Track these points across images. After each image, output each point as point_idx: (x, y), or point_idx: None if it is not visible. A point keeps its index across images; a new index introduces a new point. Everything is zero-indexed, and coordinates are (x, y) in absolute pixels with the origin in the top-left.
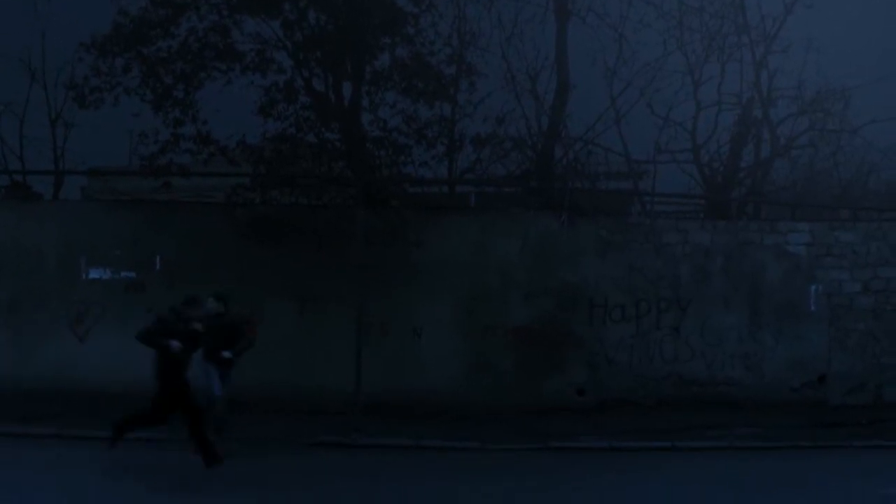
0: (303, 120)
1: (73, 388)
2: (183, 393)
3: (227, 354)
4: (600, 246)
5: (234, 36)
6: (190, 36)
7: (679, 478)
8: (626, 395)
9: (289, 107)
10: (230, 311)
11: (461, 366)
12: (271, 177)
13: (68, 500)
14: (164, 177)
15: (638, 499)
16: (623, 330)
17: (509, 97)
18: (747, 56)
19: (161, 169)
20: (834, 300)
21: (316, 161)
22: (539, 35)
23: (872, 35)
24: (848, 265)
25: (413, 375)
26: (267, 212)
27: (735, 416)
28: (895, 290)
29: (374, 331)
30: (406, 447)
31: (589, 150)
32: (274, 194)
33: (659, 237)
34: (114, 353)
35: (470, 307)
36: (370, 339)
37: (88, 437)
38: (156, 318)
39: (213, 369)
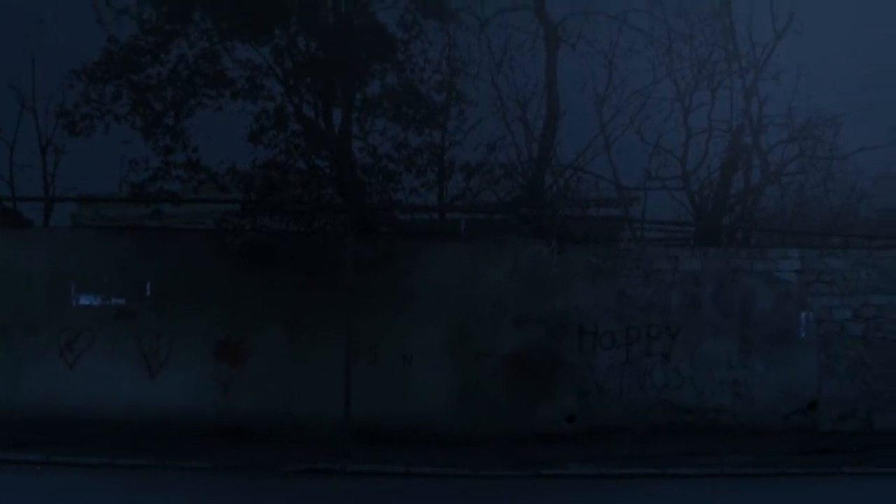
0: (293, 146)
1: (62, 414)
2: None
3: None
4: (590, 273)
5: (225, 63)
6: (180, 63)
7: None
8: (617, 421)
9: (279, 133)
10: None
11: (451, 392)
12: (261, 203)
13: None
14: (154, 204)
15: None
16: (613, 357)
17: (499, 124)
18: (737, 83)
19: (151, 196)
20: (824, 327)
21: (306, 188)
22: (529, 62)
23: (862, 62)
24: (838, 292)
25: (403, 402)
26: (257, 238)
27: (725, 443)
28: (886, 316)
29: (365, 357)
30: (396, 474)
31: (579, 176)
32: (264, 221)
33: (649, 264)
34: (103, 380)
35: (460, 334)
36: (360, 365)
37: (76, 464)
38: None
39: None
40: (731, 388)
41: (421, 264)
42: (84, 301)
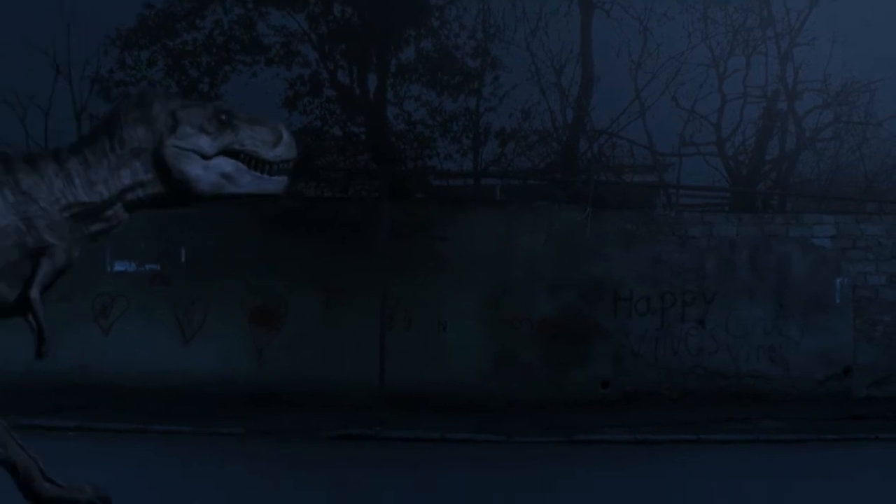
0: (328, 113)
1: (97, 381)
2: None
3: None
4: (625, 239)
5: (260, 29)
6: (215, 29)
7: (704, 470)
8: (651, 387)
9: (314, 100)
10: None
11: (486, 358)
12: (297, 170)
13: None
14: None
15: (663, 490)
16: (648, 323)
17: (534, 90)
18: (772, 49)
19: None
20: (859, 292)
21: (341, 154)
22: (564, 28)
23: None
24: (873, 257)
25: (438, 368)
26: (292, 204)
27: (760, 409)
28: None
29: (399, 324)
30: (430, 440)
31: (614, 142)
32: (299, 187)
33: (684, 230)
34: (138, 346)
35: (494, 300)
36: (395, 331)
37: (110, 429)
38: None
39: None
40: (766, 354)
41: (455, 230)
42: (119, 267)
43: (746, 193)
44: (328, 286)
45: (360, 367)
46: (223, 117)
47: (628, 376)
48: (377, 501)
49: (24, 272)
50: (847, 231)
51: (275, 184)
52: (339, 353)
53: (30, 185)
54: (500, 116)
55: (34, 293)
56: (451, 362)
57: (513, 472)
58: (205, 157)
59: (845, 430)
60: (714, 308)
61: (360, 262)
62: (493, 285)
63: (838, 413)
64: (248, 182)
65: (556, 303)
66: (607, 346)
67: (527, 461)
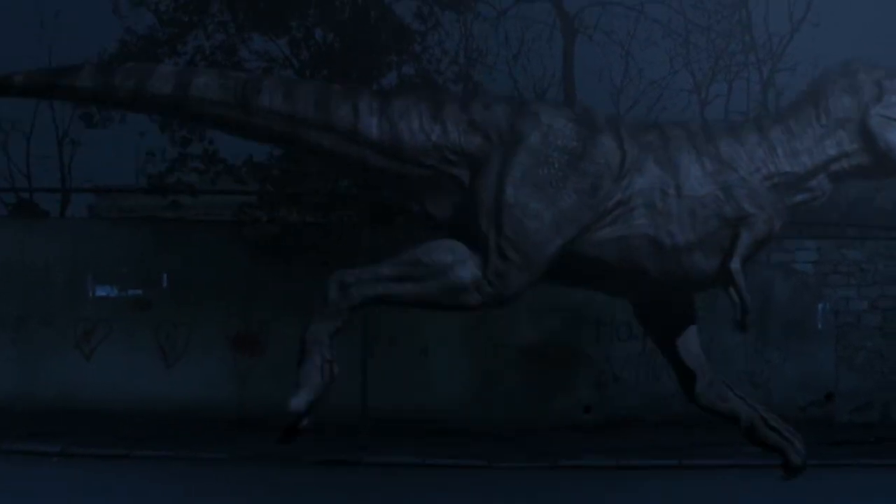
0: None
1: (79, 406)
2: None
3: None
4: None
5: (242, 54)
6: (197, 54)
7: (687, 495)
8: (633, 412)
9: None
10: None
11: (468, 384)
12: (278, 195)
13: None
14: (171, 195)
15: None
16: (629, 348)
17: None
18: (754, 74)
19: (168, 187)
20: (841, 318)
21: (323, 179)
22: (546, 53)
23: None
24: (855, 283)
25: (420, 393)
26: (274, 230)
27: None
28: None
29: (381, 349)
30: (412, 465)
31: None
32: (281, 213)
33: None
34: (120, 371)
35: (477, 325)
36: (377, 356)
37: (93, 455)
38: None
39: None
40: (747, 379)
41: None
42: (101, 292)
43: None
44: (310, 311)
45: (343, 392)
46: None
47: (610, 401)
48: None
49: (723, 243)
50: (829, 256)
51: None
52: None
53: (730, 154)
54: None
55: (735, 264)
56: (434, 387)
57: (495, 498)
58: None
59: (827, 455)
60: None
61: None
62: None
63: (820, 439)
64: None
65: (538, 328)
66: (589, 371)
67: (509, 487)
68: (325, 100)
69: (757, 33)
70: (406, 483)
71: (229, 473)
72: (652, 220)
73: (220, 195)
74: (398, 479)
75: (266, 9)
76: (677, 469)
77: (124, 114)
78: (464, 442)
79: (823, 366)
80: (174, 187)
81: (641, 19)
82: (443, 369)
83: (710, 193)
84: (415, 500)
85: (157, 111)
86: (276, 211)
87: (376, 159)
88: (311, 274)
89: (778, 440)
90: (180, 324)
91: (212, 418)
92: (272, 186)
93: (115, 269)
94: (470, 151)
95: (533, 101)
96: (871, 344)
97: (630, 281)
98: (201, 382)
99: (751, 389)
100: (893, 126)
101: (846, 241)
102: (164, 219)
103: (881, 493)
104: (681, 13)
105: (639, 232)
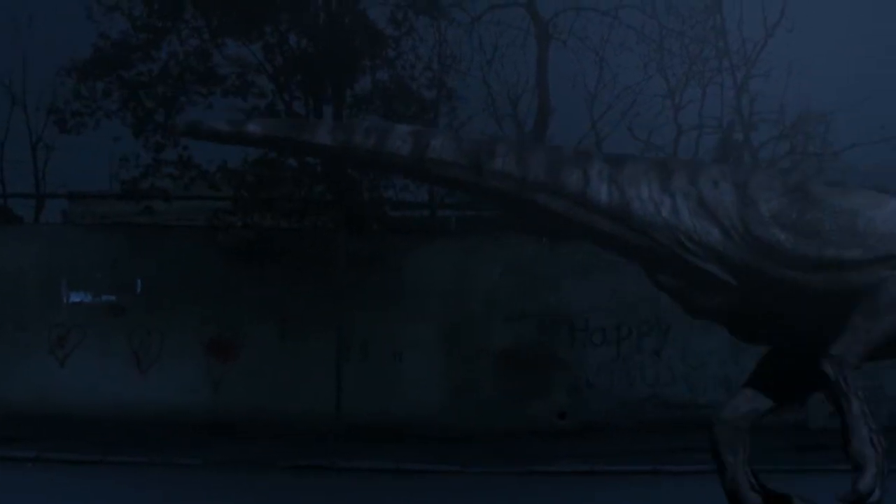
0: None
1: (53, 411)
2: None
3: None
4: (582, 269)
5: (215, 60)
6: (171, 59)
7: (663, 501)
8: (608, 418)
9: None
10: None
11: (443, 389)
12: (252, 201)
13: None
14: (145, 201)
15: None
16: (604, 353)
17: (490, 121)
18: (728, 80)
19: (142, 193)
20: None
21: (297, 185)
22: (520, 59)
23: (853, 57)
24: None
25: (395, 399)
26: (248, 235)
27: None
28: None
29: (356, 355)
30: (387, 470)
31: None
32: (255, 218)
33: None
34: (94, 377)
35: (452, 331)
36: (351, 362)
37: (67, 460)
38: None
39: None
40: (722, 385)
41: (412, 261)
42: (75, 298)
43: None
44: (284, 317)
45: (317, 398)
46: None
47: (585, 407)
48: None
49: None
50: None
51: None
52: (296, 383)
53: None
54: None
55: None
56: (408, 393)
57: (469, 503)
58: None
59: (802, 461)
60: (670, 339)
61: (317, 293)
62: (450, 316)
63: (794, 444)
64: None
65: (513, 334)
66: (564, 377)
67: (484, 492)
68: (557, 165)
69: (731, 38)
70: (380, 488)
71: (204, 478)
72: None
73: (195, 201)
74: (372, 484)
75: (239, 14)
76: (652, 474)
77: (98, 119)
78: (438, 447)
79: None
80: (148, 193)
81: (615, 25)
82: (417, 375)
83: None
84: None
85: (393, 171)
86: (250, 216)
87: (606, 225)
88: (285, 279)
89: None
90: (154, 329)
91: (186, 423)
92: (246, 192)
93: (89, 274)
94: (709, 244)
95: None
96: None
97: None
98: (175, 388)
99: (725, 394)
100: None
101: None
102: (139, 224)
103: None
104: (654, 18)
105: None
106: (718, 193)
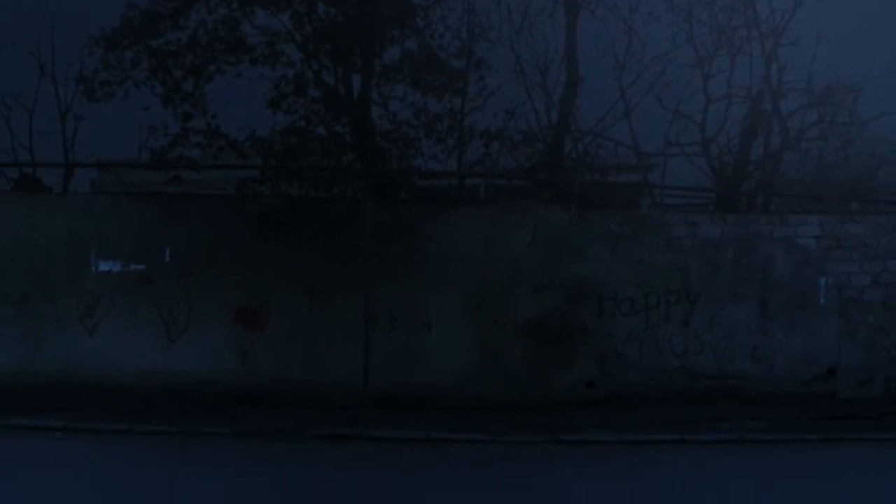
0: (312, 113)
1: (82, 381)
2: None
3: None
4: (610, 239)
5: (244, 29)
6: (199, 29)
7: (688, 470)
8: (636, 388)
9: (298, 100)
10: None
11: (470, 359)
12: (281, 170)
13: (75, 493)
14: (174, 170)
15: (647, 491)
16: (632, 323)
17: (519, 90)
18: (757, 49)
19: (171, 162)
20: (844, 293)
21: (325, 154)
22: (549, 28)
23: (883, 27)
24: (858, 258)
25: (422, 368)
26: (276, 205)
27: (744, 409)
28: None
29: (384, 324)
30: (414, 439)
31: (599, 143)
32: (283, 187)
33: (669, 230)
34: (123, 346)
35: (479, 300)
36: (379, 332)
37: (96, 430)
38: None
39: None
40: (750, 354)
41: (440, 230)
42: (104, 267)
43: (731, 194)
44: (312, 286)
45: (345, 368)
46: None
47: (613, 377)
48: (362, 501)
49: None
50: (831, 231)
51: None
52: (324, 352)
53: None
54: (485, 116)
55: None
56: (436, 362)
57: (497, 472)
58: None
59: (829, 430)
60: (698, 308)
61: (345, 263)
62: (477, 286)
63: (822, 413)
64: None
65: (540, 303)
66: (592, 346)
67: (511, 461)
68: None
69: (760, 7)
70: (408, 457)
71: (232, 448)
72: None
73: (223, 170)
74: (400, 453)
75: None
76: (679, 444)
77: (127, 88)
78: (465, 417)
79: (826, 341)
80: (177, 162)
81: None
82: (444, 345)
83: None
84: (417, 475)
85: None
86: (278, 185)
87: None
88: (313, 248)
89: None
90: (182, 298)
91: (214, 393)
92: (275, 161)
93: (117, 244)
94: None
95: None
96: (873, 319)
97: None
98: (204, 357)
99: (753, 364)
100: None
101: (848, 216)
102: (167, 193)
103: (884, 467)
104: None
105: None
106: None
